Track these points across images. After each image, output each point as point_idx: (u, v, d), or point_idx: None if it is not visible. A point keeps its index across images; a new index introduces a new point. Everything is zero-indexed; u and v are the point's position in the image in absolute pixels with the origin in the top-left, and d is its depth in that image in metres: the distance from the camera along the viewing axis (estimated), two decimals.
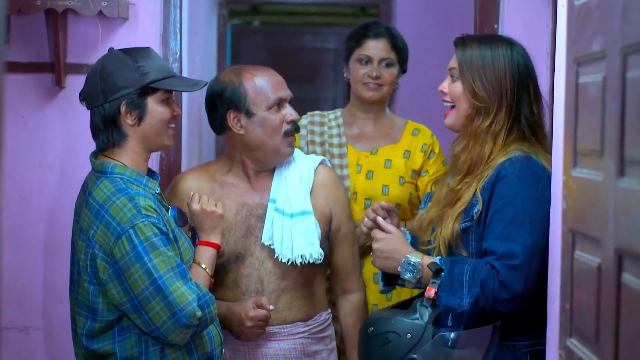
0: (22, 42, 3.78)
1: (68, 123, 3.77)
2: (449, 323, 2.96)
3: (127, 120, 3.02)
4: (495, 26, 3.88)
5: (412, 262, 3.05)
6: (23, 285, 3.82)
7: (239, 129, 3.34)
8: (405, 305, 3.10)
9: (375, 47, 4.01)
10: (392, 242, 3.15)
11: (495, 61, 3.09)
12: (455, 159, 3.24)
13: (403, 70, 4.11)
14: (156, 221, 2.95)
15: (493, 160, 3.05)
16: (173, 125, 3.14)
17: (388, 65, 4.01)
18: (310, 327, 3.42)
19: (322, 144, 4.04)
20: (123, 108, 3.01)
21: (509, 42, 3.15)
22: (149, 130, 3.06)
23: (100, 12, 3.65)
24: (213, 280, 3.17)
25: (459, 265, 2.99)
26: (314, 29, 10.27)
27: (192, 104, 5.28)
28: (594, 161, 2.23)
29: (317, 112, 4.18)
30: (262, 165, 3.41)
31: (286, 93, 3.39)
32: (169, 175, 3.81)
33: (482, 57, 3.10)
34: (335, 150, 4.01)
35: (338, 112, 4.15)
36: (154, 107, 3.04)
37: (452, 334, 2.95)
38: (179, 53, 3.88)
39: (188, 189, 3.36)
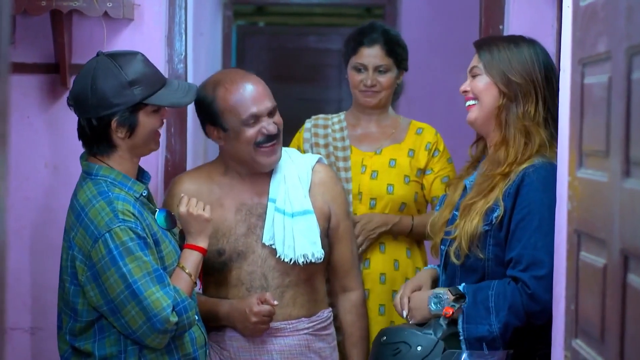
0: (27, 42, 3.78)
1: (73, 124, 3.75)
2: (486, 351, 2.97)
3: (118, 134, 3.04)
4: (501, 27, 3.87)
5: (438, 294, 3.05)
6: (28, 286, 3.83)
7: (217, 139, 3.36)
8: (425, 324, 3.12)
9: (369, 55, 4.01)
10: (416, 296, 3.17)
11: (521, 54, 3.10)
12: (476, 158, 3.24)
13: (404, 68, 4.10)
14: (133, 226, 2.96)
15: (515, 166, 3.04)
16: (159, 130, 3.15)
17: (383, 71, 4.01)
18: (314, 323, 3.42)
19: (326, 146, 4.04)
20: (114, 124, 3.02)
21: (530, 40, 3.17)
22: (139, 141, 3.08)
23: (106, 13, 3.65)
24: (197, 285, 3.18)
25: (482, 292, 2.99)
26: (319, 30, 10.27)
27: None
28: (599, 162, 2.23)
29: (321, 115, 4.18)
30: (251, 171, 3.41)
31: (262, 108, 3.32)
32: (174, 175, 3.80)
33: (508, 50, 3.12)
34: (340, 153, 4.01)
35: (342, 115, 4.15)
36: (145, 119, 3.06)
37: (464, 355, 2.96)
38: (184, 54, 3.88)
39: (185, 191, 3.36)
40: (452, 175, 3.91)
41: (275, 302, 3.28)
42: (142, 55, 3.11)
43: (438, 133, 4.05)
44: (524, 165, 3.02)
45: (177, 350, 3.08)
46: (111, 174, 3.04)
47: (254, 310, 3.27)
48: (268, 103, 3.34)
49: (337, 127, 4.08)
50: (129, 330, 2.95)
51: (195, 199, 3.23)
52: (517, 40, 3.16)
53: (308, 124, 4.12)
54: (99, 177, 3.04)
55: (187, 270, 3.10)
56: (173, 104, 3.17)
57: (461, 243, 3.06)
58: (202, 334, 3.19)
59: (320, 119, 4.15)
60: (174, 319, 2.93)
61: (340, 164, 3.99)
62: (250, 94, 3.32)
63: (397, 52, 4.04)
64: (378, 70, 4.00)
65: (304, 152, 4.01)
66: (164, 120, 3.16)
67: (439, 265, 3.29)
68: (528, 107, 3.07)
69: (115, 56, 3.08)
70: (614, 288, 2.09)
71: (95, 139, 3.05)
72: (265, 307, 3.27)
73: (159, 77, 3.12)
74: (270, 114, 3.35)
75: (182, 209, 3.19)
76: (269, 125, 3.33)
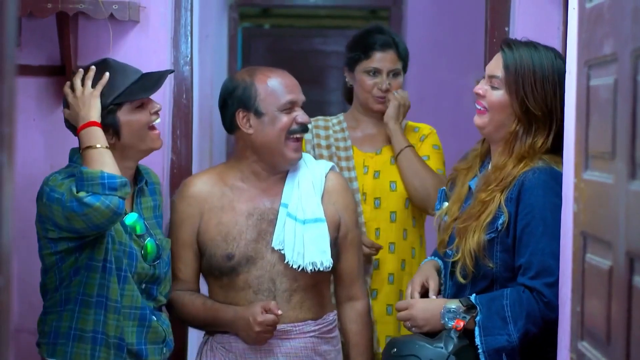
0: (33, 45, 3.78)
1: None
2: None
3: (107, 139, 3.10)
4: (506, 29, 3.87)
5: (452, 309, 3.03)
6: (34, 288, 3.82)
7: (247, 128, 3.36)
8: (435, 335, 3.09)
9: (384, 59, 4.04)
10: (421, 304, 3.13)
11: (546, 77, 3.03)
12: (482, 154, 3.22)
13: (405, 71, 4.15)
14: (61, 172, 3.10)
15: (514, 170, 3.03)
16: (157, 121, 3.18)
17: (396, 75, 4.04)
18: (320, 326, 3.42)
19: (328, 147, 4.06)
20: None
21: (555, 53, 3.11)
22: (129, 140, 3.16)
23: (111, 15, 3.64)
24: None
25: (496, 303, 2.97)
26: (324, 32, 10.27)
27: (203, 107, 5.28)
28: (605, 164, 2.23)
29: (321, 117, 4.22)
30: (271, 168, 3.40)
31: (298, 97, 3.40)
32: (180, 178, 3.80)
33: (532, 71, 3.03)
34: (342, 153, 4.04)
35: (341, 116, 4.21)
36: (127, 118, 3.15)
37: None
38: (189, 56, 3.88)
39: (197, 193, 3.38)
40: (434, 157, 3.99)
41: (280, 312, 3.26)
42: (110, 60, 3.22)
43: (434, 129, 4.11)
44: (523, 169, 3.01)
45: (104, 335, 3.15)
46: None
47: (257, 320, 3.25)
48: (302, 95, 3.43)
49: (337, 127, 4.12)
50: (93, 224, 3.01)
51: (79, 80, 3.16)
52: (542, 55, 3.07)
53: (308, 125, 4.13)
54: (76, 163, 3.13)
55: (97, 145, 3.04)
56: (139, 95, 3.18)
57: (466, 262, 3.04)
58: (162, 332, 3.27)
59: (320, 120, 4.19)
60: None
61: (343, 164, 4.02)
62: (287, 82, 3.41)
63: (404, 56, 4.09)
64: (392, 74, 4.02)
65: (306, 152, 4.02)
66: (157, 113, 3.19)
67: (439, 257, 3.28)
68: (537, 139, 3.04)
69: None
70: (619, 290, 2.08)
71: None
72: (269, 317, 3.25)
73: (128, 74, 3.19)
74: (302, 107, 3.42)
75: (67, 89, 3.18)
76: (303, 116, 3.39)
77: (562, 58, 3.07)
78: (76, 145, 3.20)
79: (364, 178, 4.01)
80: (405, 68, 4.10)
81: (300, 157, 3.42)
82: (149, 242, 3.23)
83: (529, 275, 2.96)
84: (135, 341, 3.19)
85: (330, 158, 4.01)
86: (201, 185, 3.42)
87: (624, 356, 2.05)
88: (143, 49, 3.62)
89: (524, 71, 3.05)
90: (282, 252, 3.34)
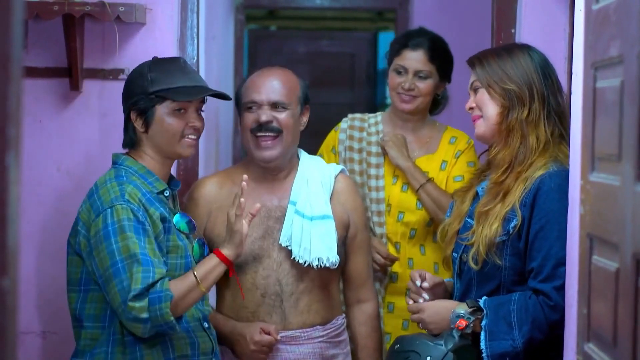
0: (39, 47, 3.79)
1: (85, 128, 3.77)
2: None
3: (137, 126, 3.14)
4: (512, 30, 3.87)
5: (460, 314, 3.04)
6: (40, 290, 3.83)
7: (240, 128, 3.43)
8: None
9: (412, 59, 3.96)
10: (432, 308, 3.13)
11: (515, 58, 3.11)
12: (489, 161, 3.22)
13: (447, 79, 4.06)
14: (135, 209, 3.00)
15: (529, 172, 3.03)
16: (193, 137, 3.15)
17: (423, 77, 3.96)
18: (329, 331, 3.42)
19: (360, 151, 4.01)
20: (133, 114, 3.14)
21: (522, 44, 3.20)
22: (157, 137, 3.14)
23: (118, 17, 3.65)
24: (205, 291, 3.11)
25: (503, 308, 2.97)
26: (331, 34, 10.29)
27: (209, 110, 5.27)
28: (611, 166, 2.23)
29: (358, 115, 4.15)
30: (264, 169, 3.44)
31: (261, 96, 3.36)
32: (186, 181, 3.80)
33: (500, 60, 3.12)
34: (373, 160, 3.98)
35: (379, 116, 4.12)
36: (162, 116, 3.12)
37: None
38: (196, 58, 3.88)
39: (206, 194, 3.40)
40: (468, 178, 3.90)
41: (279, 337, 3.28)
42: (182, 60, 3.23)
43: (471, 140, 3.99)
44: (540, 172, 3.01)
45: (172, 349, 3.09)
46: (135, 165, 3.13)
47: (254, 339, 3.27)
48: (273, 96, 3.36)
49: (372, 130, 4.04)
50: (114, 307, 2.99)
51: (243, 201, 3.10)
52: (509, 48, 3.19)
53: (344, 124, 4.10)
54: (122, 166, 3.12)
55: (195, 273, 3.04)
56: (181, 98, 3.13)
57: (479, 248, 3.04)
58: (209, 342, 3.20)
59: (356, 119, 4.12)
60: (139, 304, 2.91)
61: (372, 171, 3.98)
62: (261, 82, 3.39)
63: (440, 60, 3.99)
64: (418, 75, 3.96)
65: (338, 152, 4.03)
66: (194, 129, 3.15)
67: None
68: (524, 111, 3.06)
69: (158, 59, 3.24)
70: (626, 292, 2.08)
71: (126, 130, 3.18)
72: (267, 338, 3.26)
73: (186, 78, 3.16)
74: (274, 106, 3.36)
75: (230, 211, 3.12)
76: (263, 115, 3.34)
77: (531, 46, 3.20)
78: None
79: (391, 189, 3.95)
80: (443, 74, 4.02)
81: (272, 156, 3.37)
82: (196, 243, 3.21)
83: (539, 278, 2.96)
84: (191, 352, 3.13)
85: (360, 163, 3.98)
86: (210, 186, 3.45)
87: (630, 358, 2.05)
88: (149, 50, 3.62)
89: (491, 62, 3.14)
90: (289, 248, 3.34)
